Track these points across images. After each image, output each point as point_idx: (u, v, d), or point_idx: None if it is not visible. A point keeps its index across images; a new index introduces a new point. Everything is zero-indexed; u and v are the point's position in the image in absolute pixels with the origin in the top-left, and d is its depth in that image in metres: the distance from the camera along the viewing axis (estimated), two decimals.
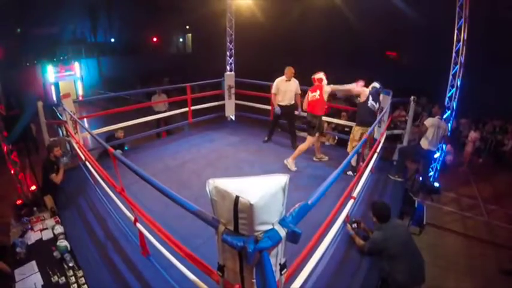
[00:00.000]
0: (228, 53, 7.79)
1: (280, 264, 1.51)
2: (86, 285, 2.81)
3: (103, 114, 6.75)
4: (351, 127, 5.08)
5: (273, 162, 5.27)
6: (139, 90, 12.49)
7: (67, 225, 3.66)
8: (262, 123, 6.54)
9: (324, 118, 5.46)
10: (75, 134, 4.86)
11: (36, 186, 4.68)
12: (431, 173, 6.07)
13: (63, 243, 3.22)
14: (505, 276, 4.59)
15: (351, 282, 2.85)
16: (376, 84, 4.72)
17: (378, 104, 4.68)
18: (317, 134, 4.96)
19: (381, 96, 5.07)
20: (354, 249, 3.20)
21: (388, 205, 3.10)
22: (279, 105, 5.66)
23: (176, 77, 12.54)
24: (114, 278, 2.89)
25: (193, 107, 6.71)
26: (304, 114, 5.77)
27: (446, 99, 5.58)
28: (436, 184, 6.14)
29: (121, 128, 5.87)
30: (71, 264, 3.00)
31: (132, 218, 2.95)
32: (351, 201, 3.27)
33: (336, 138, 7.09)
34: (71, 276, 2.89)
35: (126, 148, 6.25)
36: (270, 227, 1.36)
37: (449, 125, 5.49)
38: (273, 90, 5.68)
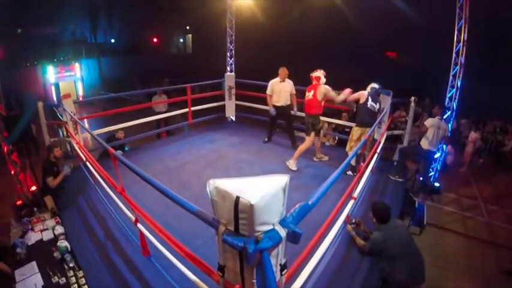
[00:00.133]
0: (228, 54, 7.79)
1: (280, 264, 1.51)
2: (86, 286, 2.81)
3: (103, 115, 6.76)
4: (351, 127, 5.08)
5: (273, 163, 5.28)
6: (139, 90, 12.51)
7: (67, 225, 3.66)
8: (263, 123, 6.54)
9: (324, 118, 5.47)
10: (75, 134, 4.86)
11: (37, 187, 4.69)
12: (432, 173, 6.07)
13: (63, 243, 3.22)
14: (505, 276, 4.58)
15: (352, 282, 2.85)
16: (374, 85, 4.70)
17: (377, 104, 4.66)
18: (313, 134, 4.95)
19: (381, 97, 5.08)
20: (355, 249, 3.20)
21: (388, 206, 3.10)
22: (275, 106, 5.70)
23: (176, 77, 12.54)
24: (115, 278, 2.89)
25: (193, 108, 6.71)
26: (301, 114, 5.87)
27: (447, 99, 5.58)
28: (437, 184, 6.15)
29: (121, 129, 5.87)
30: (71, 265, 2.99)
31: (133, 218, 2.95)
32: (351, 202, 3.27)
33: (336, 138, 7.09)
34: (72, 276, 2.89)
35: (126, 149, 6.25)
36: (271, 227, 1.36)
37: (449, 125, 5.49)
38: (268, 92, 5.72)
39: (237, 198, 1.30)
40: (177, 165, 5.22)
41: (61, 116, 5.18)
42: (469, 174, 8.00)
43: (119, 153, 4.00)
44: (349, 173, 4.67)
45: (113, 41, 21.49)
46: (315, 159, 5.42)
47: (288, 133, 6.07)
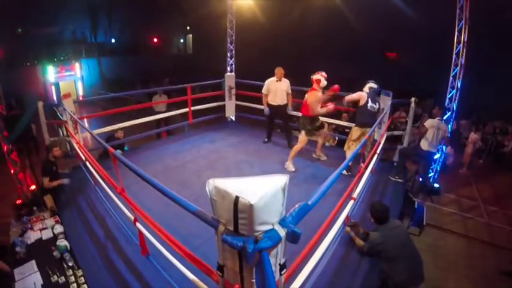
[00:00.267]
0: (228, 54, 7.79)
1: (280, 264, 1.51)
2: (85, 285, 2.81)
3: (103, 115, 6.76)
4: (351, 128, 5.08)
5: (272, 163, 5.28)
6: (139, 90, 12.51)
7: (67, 224, 3.66)
8: (263, 124, 6.55)
9: (324, 119, 5.47)
10: (75, 134, 4.87)
11: (36, 186, 4.69)
12: (432, 174, 6.07)
13: (62, 242, 3.22)
14: (505, 277, 4.58)
15: (351, 282, 2.85)
16: (372, 85, 4.66)
17: (377, 104, 4.65)
18: (303, 133, 4.94)
19: (381, 97, 5.07)
20: (354, 249, 3.20)
21: (387, 206, 3.10)
22: (272, 105, 5.78)
23: (177, 77, 12.55)
24: (114, 277, 2.89)
25: (193, 108, 6.72)
26: (297, 113, 5.97)
27: (447, 100, 5.58)
28: (436, 185, 6.15)
29: (121, 128, 5.87)
30: (70, 264, 3.00)
31: (132, 217, 2.95)
32: (351, 202, 3.27)
33: (336, 139, 7.09)
34: (71, 275, 2.89)
35: (126, 148, 6.25)
36: (270, 227, 1.37)
37: (449, 126, 5.49)
38: (264, 91, 5.80)
39: (237, 198, 1.30)
40: (177, 165, 5.22)
41: (61, 115, 5.18)
42: (469, 175, 8.00)
43: (118, 152, 4.00)
44: (344, 172, 4.66)
45: (113, 40, 21.50)
46: (314, 155, 5.49)
47: (285, 132, 6.12)
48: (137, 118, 6.02)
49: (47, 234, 3.50)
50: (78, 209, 4.03)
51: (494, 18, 9.91)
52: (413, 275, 2.89)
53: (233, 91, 7.02)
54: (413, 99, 5.34)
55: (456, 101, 5.54)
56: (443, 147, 5.96)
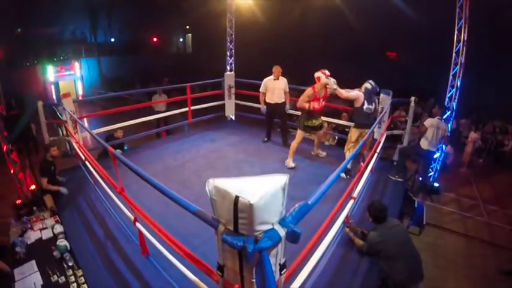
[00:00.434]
0: (228, 53, 7.79)
1: (280, 264, 1.51)
2: (85, 285, 2.81)
3: (103, 114, 6.76)
4: (350, 128, 5.08)
5: (272, 162, 5.28)
6: (139, 90, 12.48)
7: (67, 224, 3.66)
8: (262, 123, 6.54)
9: (324, 118, 5.46)
10: (75, 133, 4.86)
11: (36, 186, 4.68)
12: (431, 173, 6.07)
13: (62, 242, 3.22)
14: (504, 276, 4.58)
15: (351, 282, 2.85)
16: (367, 85, 4.56)
17: (374, 104, 4.58)
18: (299, 129, 4.97)
19: (381, 96, 5.06)
20: (354, 249, 3.20)
21: (385, 205, 3.10)
22: (269, 104, 5.80)
23: (176, 76, 12.53)
24: (114, 277, 2.89)
25: (193, 107, 6.71)
26: (293, 111, 6.16)
27: (446, 99, 5.58)
28: (436, 184, 6.15)
29: (120, 128, 5.87)
30: (70, 264, 3.00)
31: (132, 217, 2.95)
32: (351, 202, 3.27)
33: (336, 138, 7.09)
34: (71, 275, 2.89)
35: (125, 148, 6.25)
36: (270, 227, 1.36)
37: (449, 125, 5.49)
38: (261, 89, 5.83)
39: (237, 197, 1.30)
40: (177, 165, 5.22)
41: (60, 115, 5.17)
42: (469, 174, 8.00)
43: (118, 152, 3.99)
44: (343, 175, 4.65)
45: (112, 40, 21.47)
46: (312, 153, 5.52)
47: (282, 130, 6.14)
48: (137, 118, 6.02)
49: (47, 234, 3.50)
50: (78, 208, 4.03)
51: (494, 17, 9.90)
52: (412, 273, 2.89)
53: (233, 90, 7.02)
54: (413, 98, 5.34)
55: (456, 100, 5.53)
56: (443, 146, 5.96)
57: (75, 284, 2.81)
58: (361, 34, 13.30)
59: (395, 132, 5.92)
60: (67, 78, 15.13)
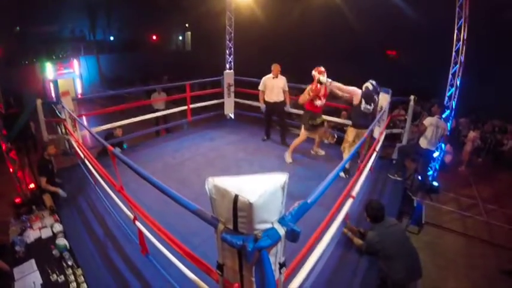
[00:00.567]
0: (227, 51, 7.77)
1: (279, 263, 1.51)
2: (85, 284, 2.81)
3: (102, 113, 6.74)
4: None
5: (272, 161, 5.28)
6: (138, 88, 12.46)
7: (66, 223, 3.66)
8: (262, 121, 6.54)
9: (323, 116, 5.46)
10: (74, 132, 4.85)
11: (35, 185, 4.67)
12: (431, 173, 6.08)
13: (62, 241, 3.22)
14: (504, 276, 4.60)
15: (350, 281, 2.86)
16: (368, 85, 4.50)
17: (373, 105, 4.53)
18: (303, 127, 4.99)
19: (380, 95, 5.04)
20: (353, 248, 3.21)
21: (382, 205, 3.10)
22: (268, 102, 5.79)
23: (176, 74, 12.51)
24: (113, 276, 2.89)
25: (192, 105, 6.70)
26: (294, 111, 6.18)
27: (446, 98, 5.58)
28: (435, 183, 6.15)
29: (119, 126, 5.86)
30: (70, 263, 2.99)
31: (132, 216, 2.95)
32: (350, 200, 3.27)
33: (335, 136, 7.09)
34: (70, 274, 2.89)
35: (124, 146, 6.23)
36: (270, 225, 1.36)
37: (448, 124, 5.49)
38: (260, 87, 5.82)
39: (236, 196, 1.29)
40: (176, 163, 5.22)
41: (59, 113, 5.16)
42: (468, 174, 8.01)
43: (117, 150, 3.98)
44: (342, 174, 4.65)
45: (111, 38, 21.43)
46: (312, 151, 5.52)
47: (281, 129, 6.14)
48: (136, 116, 6.00)
49: (46, 233, 3.49)
50: (77, 207, 4.03)
51: (493, 17, 9.90)
52: (411, 271, 2.91)
53: (232, 88, 7.01)
54: (412, 97, 5.34)
55: (455, 99, 5.53)
56: (443, 145, 5.96)
57: (74, 283, 2.80)
58: (361, 33, 13.30)
59: (395, 131, 5.92)
60: (66, 77, 15.11)
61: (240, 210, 1.30)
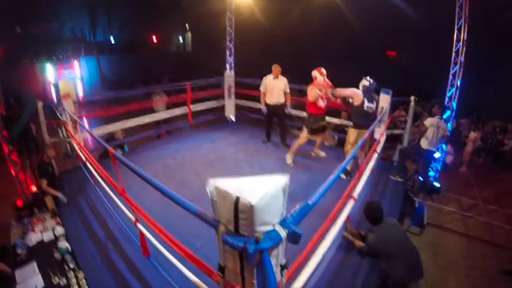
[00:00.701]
0: (227, 52, 7.78)
1: (281, 265, 1.51)
2: (86, 287, 2.81)
3: (103, 115, 6.76)
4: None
5: (273, 163, 5.28)
6: (138, 90, 12.45)
7: (68, 226, 3.66)
8: (262, 123, 6.55)
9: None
10: (75, 134, 4.86)
11: (37, 187, 4.68)
12: (432, 173, 6.07)
13: (64, 244, 3.22)
14: (505, 276, 4.59)
15: (352, 282, 2.86)
16: (365, 82, 4.44)
17: (375, 103, 4.50)
18: (305, 130, 4.97)
19: (380, 95, 5.05)
20: (354, 250, 3.21)
21: (380, 206, 3.09)
22: (268, 104, 5.77)
23: (176, 76, 12.51)
24: (115, 279, 2.90)
25: (193, 107, 6.71)
26: (296, 112, 6.22)
27: (446, 99, 5.58)
28: (437, 184, 6.14)
29: (121, 128, 5.86)
30: (71, 266, 3.00)
31: (133, 218, 2.95)
32: (351, 202, 3.27)
33: (336, 138, 7.09)
34: (72, 277, 2.89)
35: (126, 149, 6.24)
36: (271, 227, 1.36)
37: (449, 124, 5.49)
38: (261, 89, 5.79)
39: (237, 198, 1.30)
40: (177, 165, 5.23)
41: (60, 115, 5.18)
42: (469, 174, 8.00)
43: (118, 153, 3.99)
44: (343, 176, 4.64)
45: (112, 39, 21.45)
46: (312, 153, 5.51)
47: (281, 130, 6.13)
48: (137, 117, 6.01)
49: (48, 236, 3.49)
50: (79, 210, 4.03)
51: (494, 17, 9.89)
52: (412, 271, 2.91)
53: (232, 90, 7.02)
54: (412, 97, 5.34)
55: (456, 100, 5.53)
56: (443, 146, 5.96)
57: (76, 286, 2.81)
58: (361, 34, 13.29)
59: (396, 132, 5.92)
60: (66, 78, 15.11)
61: (241, 212, 1.30)
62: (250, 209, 1.26)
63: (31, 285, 2.82)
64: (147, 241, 2.91)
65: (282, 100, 5.72)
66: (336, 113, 7.08)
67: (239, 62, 7.92)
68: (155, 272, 2.88)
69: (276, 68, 5.59)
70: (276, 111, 5.81)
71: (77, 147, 4.65)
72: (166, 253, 2.51)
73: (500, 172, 8.20)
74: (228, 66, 7.83)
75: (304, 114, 5.43)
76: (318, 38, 14.80)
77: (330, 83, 4.73)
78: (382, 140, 4.78)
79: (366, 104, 4.42)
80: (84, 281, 2.85)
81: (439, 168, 6.11)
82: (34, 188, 4.72)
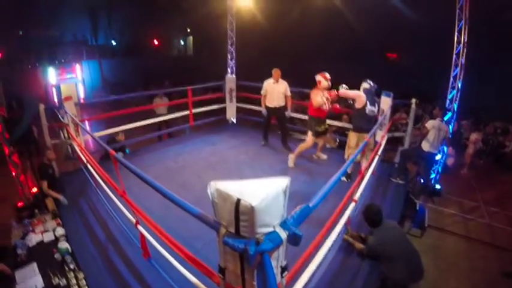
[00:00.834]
0: (229, 56, 7.80)
1: (281, 266, 1.51)
2: (86, 287, 2.81)
3: (104, 117, 6.78)
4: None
5: (273, 165, 5.28)
6: (140, 93, 12.51)
7: (68, 227, 3.66)
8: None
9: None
10: (76, 136, 4.87)
11: (38, 189, 4.69)
12: (433, 175, 6.06)
13: (64, 245, 3.22)
14: (506, 279, 4.56)
15: (352, 284, 2.85)
16: (365, 85, 4.40)
17: (376, 106, 4.47)
18: (309, 133, 4.97)
19: (382, 98, 5.05)
20: (355, 252, 3.20)
21: (379, 209, 3.08)
22: (269, 107, 5.78)
23: (177, 79, 12.56)
24: (115, 280, 2.89)
25: (194, 110, 6.73)
26: (294, 115, 6.26)
27: (447, 101, 5.58)
28: (438, 186, 6.13)
29: (122, 131, 5.88)
30: (72, 267, 2.99)
31: (134, 220, 2.96)
32: (352, 204, 3.27)
33: (338, 140, 7.09)
34: (72, 278, 2.89)
35: (127, 151, 6.26)
36: (271, 229, 1.37)
37: (450, 126, 5.48)
38: (262, 92, 5.81)
39: (238, 200, 1.30)
40: (178, 167, 5.23)
41: (62, 118, 5.20)
42: (470, 176, 7.98)
43: (120, 155, 4.00)
44: (343, 179, 4.62)
45: (113, 42, 21.55)
46: (314, 156, 5.52)
47: (282, 133, 6.13)
48: (138, 121, 6.03)
49: (48, 237, 3.49)
50: (79, 211, 4.04)
51: (494, 18, 9.90)
52: (412, 272, 2.90)
53: (234, 93, 7.04)
54: (413, 100, 5.34)
55: (457, 102, 5.53)
56: (445, 148, 5.95)
57: (76, 286, 2.80)
58: (361, 35, 13.33)
59: (397, 134, 5.91)
60: (68, 81, 15.16)
61: (242, 214, 1.31)
62: (251, 210, 1.26)
63: (31, 285, 2.82)
64: (147, 243, 2.91)
65: (282, 103, 5.73)
66: (337, 116, 7.10)
67: (239, 65, 7.94)
68: (155, 273, 2.88)
69: (276, 72, 5.59)
70: (276, 114, 5.83)
71: (78, 149, 4.66)
72: (166, 255, 2.52)
73: (502, 174, 8.17)
74: (229, 70, 7.85)
75: (304, 117, 5.44)
76: (318, 39, 14.84)
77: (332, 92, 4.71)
78: (383, 142, 4.78)
79: (368, 107, 4.36)
80: (84, 281, 2.85)
81: (440, 170, 6.10)
82: (35, 189, 4.72)
